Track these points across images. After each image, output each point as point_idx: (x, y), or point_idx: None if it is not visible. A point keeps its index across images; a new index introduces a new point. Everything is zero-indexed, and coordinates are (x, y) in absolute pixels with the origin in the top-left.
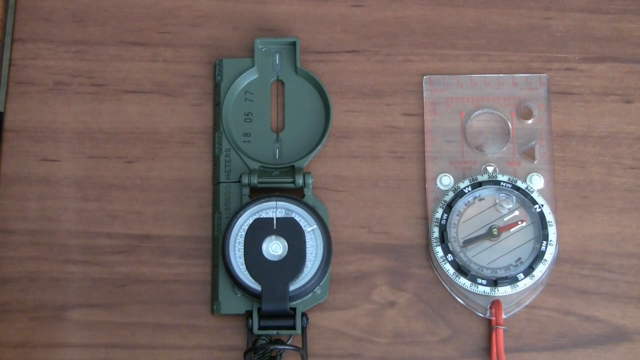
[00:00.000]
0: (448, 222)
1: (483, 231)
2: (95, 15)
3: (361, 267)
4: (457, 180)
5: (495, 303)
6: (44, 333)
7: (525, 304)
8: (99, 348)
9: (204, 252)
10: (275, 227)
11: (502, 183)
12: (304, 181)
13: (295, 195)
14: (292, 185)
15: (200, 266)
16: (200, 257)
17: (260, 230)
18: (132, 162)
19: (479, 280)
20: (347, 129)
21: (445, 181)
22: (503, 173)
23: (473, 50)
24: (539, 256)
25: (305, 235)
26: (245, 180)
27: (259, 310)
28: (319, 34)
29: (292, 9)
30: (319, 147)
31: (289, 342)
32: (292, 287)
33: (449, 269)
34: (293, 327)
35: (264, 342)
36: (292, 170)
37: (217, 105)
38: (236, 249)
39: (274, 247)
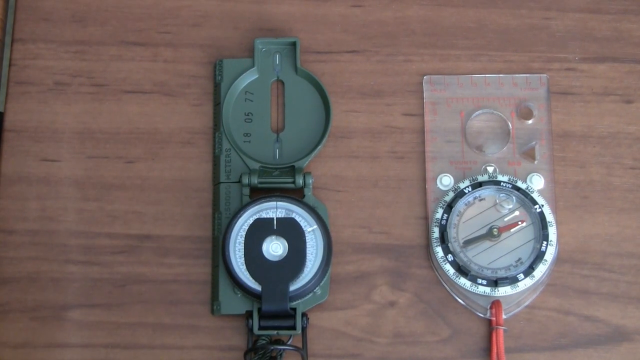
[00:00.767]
0: (448, 223)
1: (483, 231)
2: (95, 15)
3: (361, 267)
4: (457, 180)
5: (496, 303)
6: (44, 333)
7: (526, 304)
8: (99, 348)
9: (204, 252)
10: (275, 227)
11: (502, 183)
12: (304, 181)
13: (296, 195)
14: (292, 186)
15: (200, 266)
16: (200, 257)
17: (260, 230)
18: (132, 162)
19: (479, 281)
20: (347, 129)
21: (446, 181)
22: (503, 173)
23: (473, 50)
24: (539, 256)
25: (306, 235)
26: (245, 180)
27: (259, 310)
28: (319, 34)
29: (292, 9)
30: (319, 147)
31: (289, 342)
32: (292, 287)
33: (449, 269)
34: (293, 327)
35: (264, 342)
36: (292, 171)
37: (217, 105)
38: (236, 249)
39: (274, 247)
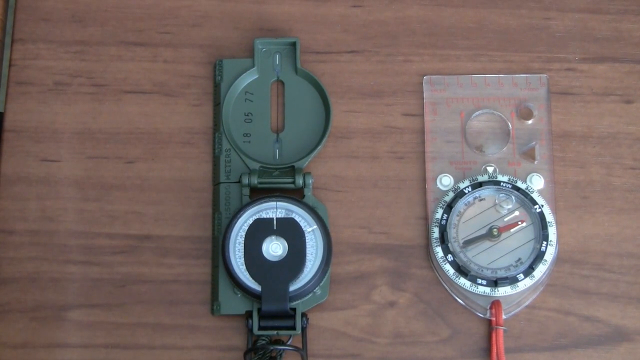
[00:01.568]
0: (448, 223)
1: (483, 231)
2: (95, 15)
3: (361, 268)
4: (457, 180)
5: (496, 303)
6: (44, 333)
7: (526, 304)
8: (99, 348)
9: (204, 252)
10: (275, 228)
11: (502, 183)
12: (304, 181)
13: (295, 195)
14: (292, 186)
15: (200, 266)
16: (200, 257)
17: (260, 230)
18: (132, 162)
19: (479, 281)
20: (347, 129)
21: (445, 181)
22: (503, 173)
23: (473, 51)
24: (539, 256)
25: (305, 235)
26: (245, 180)
27: (259, 310)
28: (319, 34)
29: (292, 9)
30: (319, 147)
31: (289, 343)
32: (292, 288)
33: (449, 269)
34: (293, 328)
35: (264, 342)
36: (292, 171)
37: (217, 105)
38: (236, 249)
39: (274, 248)
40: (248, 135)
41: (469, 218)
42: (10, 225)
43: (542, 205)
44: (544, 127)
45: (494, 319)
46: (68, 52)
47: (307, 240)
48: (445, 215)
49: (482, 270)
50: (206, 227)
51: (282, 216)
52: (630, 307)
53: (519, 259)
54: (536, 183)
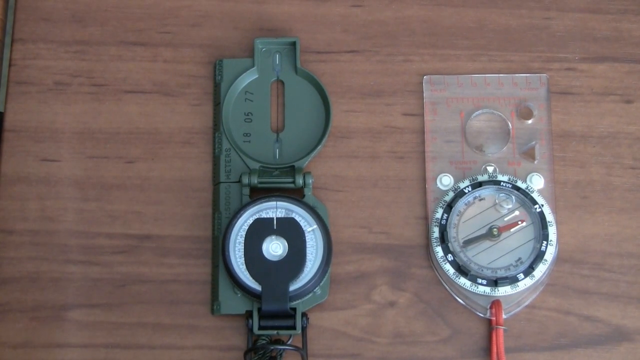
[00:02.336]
0: (448, 222)
1: (483, 231)
2: (95, 15)
3: (361, 267)
4: (457, 180)
5: (496, 303)
6: (44, 333)
7: (526, 304)
8: (99, 348)
9: (204, 252)
10: (275, 227)
11: (502, 183)
12: (304, 181)
13: (295, 195)
14: (292, 185)
15: (200, 266)
16: (200, 257)
17: (260, 230)
18: (132, 162)
19: (479, 280)
20: (347, 129)
21: (445, 181)
22: (503, 173)
23: (473, 50)
24: (539, 256)
25: (306, 235)
26: (245, 180)
27: (259, 310)
28: (319, 34)
29: (292, 9)
30: (319, 147)
31: (289, 342)
32: (292, 287)
33: (449, 269)
34: (293, 327)
35: (264, 342)
36: (292, 170)
37: (217, 105)
38: (236, 249)
39: (274, 247)
40: (248, 135)
41: (469, 218)
42: (10, 225)
43: (542, 205)
44: (544, 126)
45: (494, 318)
46: (68, 52)
47: (307, 240)
48: (445, 215)
49: (482, 270)
50: (206, 227)
51: (282, 216)
52: (630, 307)
53: (519, 259)
54: (536, 183)
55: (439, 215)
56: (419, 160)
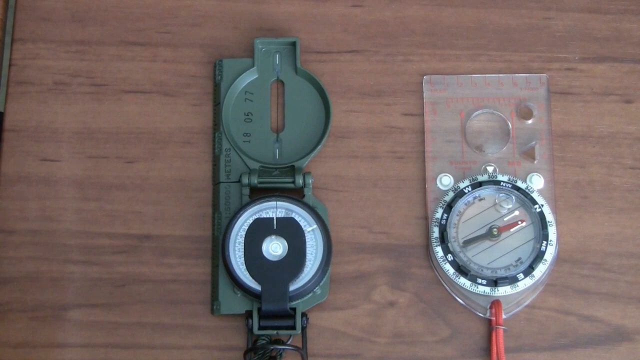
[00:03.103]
0: (448, 222)
1: (483, 231)
2: (95, 15)
3: (361, 267)
4: (457, 180)
5: (495, 303)
6: (44, 333)
7: (525, 304)
8: (99, 348)
9: (204, 252)
10: (275, 227)
11: (502, 183)
12: (304, 181)
13: (295, 195)
14: (292, 185)
15: (200, 266)
16: (200, 257)
17: (260, 230)
18: (132, 162)
19: (479, 280)
20: (347, 129)
21: (445, 181)
22: (503, 173)
23: (473, 50)
24: (539, 256)
25: (305, 235)
26: (245, 180)
27: (259, 310)
28: (319, 34)
29: (292, 9)
30: (319, 147)
31: (289, 342)
32: (292, 287)
33: (449, 269)
34: (293, 327)
35: (264, 342)
36: (292, 170)
37: (217, 105)
38: (236, 249)
39: (274, 247)
40: (248, 135)
41: (469, 218)
42: (10, 225)
43: (542, 205)
44: (543, 126)
45: (494, 318)
46: (68, 52)
47: (307, 240)
48: (445, 215)
49: (482, 270)
50: (206, 227)
51: (282, 216)
52: (630, 307)
53: (519, 259)
54: (536, 183)
55: (439, 215)
56: (419, 160)
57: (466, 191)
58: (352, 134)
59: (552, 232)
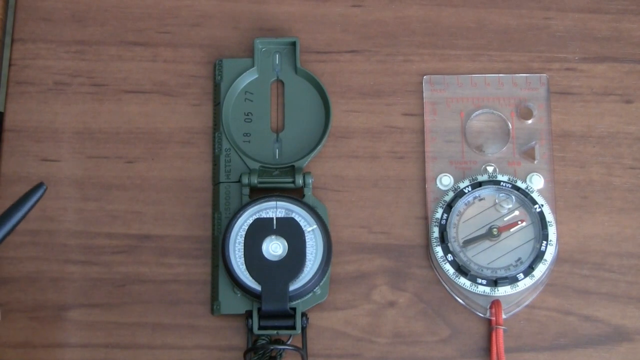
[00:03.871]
0: (448, 222)
1: (483, 231)
2: (95, 15)
3: (361, 267)
4: (457, 180)
5: (495, 303)
6: (44, 333)
7: (525, 304)
8: (99, 348)
9: (204, 252)
10: (275, 227)
11: (502, 183)
12: (304, 181)
13: (295, 195)
14: (292, 185)
15: (200, 266)
16: (200, 257)
17: (260, 230)
18: (132, 162)
19: (479, 280)
20: (347, 129)
21: (445, 181)
22: (503, 173)
23: (473, 50)
24: (539, 256)
25: (305, 235)
26: (245, 180)
27: (259, 310)
28: (319, 34)
29: (292, 9)
30: (319, 147)
31: (289, 342)
32: (292, 287)
33: (449, 269)
34: (293, 327)
35: (264, 342)
36: (292, 170)
37: (217, 105)
38: (236, 249)
39: (274, 247)
40: (248, 135)
41: (469, 218)
42: None
43: (542, 205)
44: (543, 126)
45: (494, 318)
46: (68, 52)
47: (307, 240)
48: (445, 215)
49: (482, 270)
50: (206, 227)
51: (282, 216)
52: (630, 307)
53: (519, 259)
54: (536, 183)
55: (438, 215)
56: (419, 160)
57: (466, 191)
58: (352, 134)
59: (552, 232)
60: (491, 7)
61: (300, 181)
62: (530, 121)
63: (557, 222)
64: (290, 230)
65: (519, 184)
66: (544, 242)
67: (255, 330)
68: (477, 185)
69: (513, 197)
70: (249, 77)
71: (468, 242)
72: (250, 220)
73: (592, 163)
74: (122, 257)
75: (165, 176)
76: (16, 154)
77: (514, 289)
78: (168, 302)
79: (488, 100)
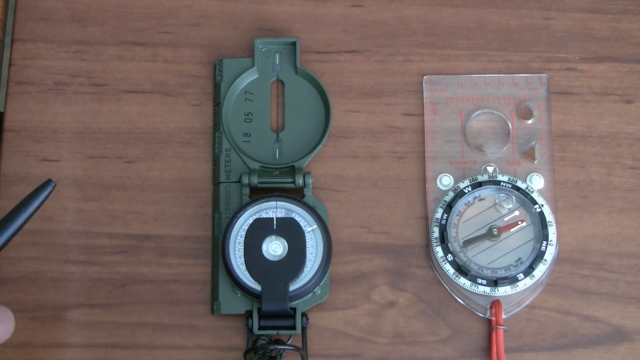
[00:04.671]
0: (448, 222)
1: (483, 231)
2: (95, 15)
3: (361, 267)
4: (457, 180)
5: (495, 303)
6: (44, 333)
7: (525, 304)
8: (99, 348)
9: (204, 252)
10: (275, 227)
11: (502, 183)
12: (304, 181)
13: (295, 195)
14: (292, 185)
15: (200, 266)
16: (200, 257)
17: (260, 230)
18: (132, 162)
19: (479, 280)
20: (347, 129)
21: (445, 181)
22: (503, 173)
23: (473, 50)
24: (539, 256)
25: (305, 235)
26: (245, 180)
27: (259, 310)
28: (319, 34)
29: (292, 9)
30: (319, 147)
31: (289, 342)
32: (292, 287)
33: (449, 269)
34: (293, 327)
35: (264, 342)
36: (292, 170)
37: (217, 105)
38: (236, 249)
39: (274, 247)
40: (248, 135)
41: (469, 218)
42: None
43: (542, 205)
44: (543, 126)
45: (494, 318)
46: (68, 52)
47: (307, 240)
48: (445, 215)
49: (482, 270)
50: (206, 227)
51: (282, 216)
52: (630, 307)
53: (519, 259)
54: (536, 183)
55: (439, 215)
56: (419, 160)
57: (466, 191)
58: (352, 134)
59: (552, 232)
60: (491, 7)
61: (300, 181)
62: (530, 121)
63: (557, 222)
64: (290, 230)
65: (519, 184)
66: (544, 242)
67: (255, 330)
68: (477, 185)
69: (513, 197)
70: (249, 77)
71: (468, 242)
72: (250, 220)
73: (592, 163)
74: (122, 257)
75: (165, 176)
76: (16, 154)
77: (514, 289)
78: (168, 302)
79: (488, 100)
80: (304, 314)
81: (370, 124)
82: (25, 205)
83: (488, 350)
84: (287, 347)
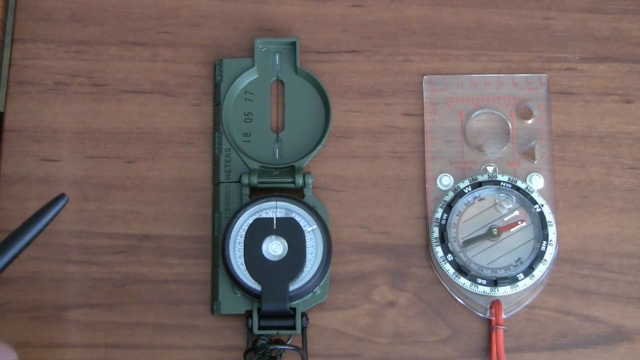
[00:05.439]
0: (448, 222)
1: (483, 231)
2: (95, 15)
3: (361, 267)
4: (457, 180)
5: (495, 303)
6: (44, 333)
7: (525, 304)
8: (99, 348)
9: (204, 252)
10: (275, 227)
11: (502, 183)
12: (304, 181)
13: (295, 195)
14: (292, 185)
15: (200, 266)
16: (200, 257)
17: (260, 230)
18: (132, 162)
19: (479, 280)
20: (347, 129)
21: (445, 181)
22: (503, 173)
23: (473, 50)
24: (539, 256)
25: (305, 235)
26: (245, 180)
27: (259, 310)
28: (319, 34)
29: (292, 9)
30: (319, 147)
31: (289, 342)
32: (292, 287)
33: (449, 269)
34: (293, 327)
35: (264, 342)
36: (292, 170)
37: (217, 105)
38: (236, 249)
39: (274, 247)
40: (248, 135)
41: (469, 218)
42: (10, 225)
43: (542, 205)
44: (543, 126)
45: (494, 318)
46: (68, 51)
47: (307, 240)
48: (445, 215)
49: (482, 270)
50: (206, 227)
51: (282, 216)
52: (630, 307)
53: (519, 259)
54: (536, 183)
55: (438, 215)
56: (419, 160)
57: (466, 191)
58: (352, 134)
59: (552, 232)
60: (491, 7)
61: (300, 181)
62: (530, 121)
63: (557, 222)
64: (290, 230)
65: (519, 184)
66: (544, 242)
67: (255, 330)
68: (477, 185)
69: (513, 197)
70: (249, 77)
71: (468, 242)
72: (250, 220)
73: (592, 163)
74: (122, 257)
75: (165, 176)
76: (16, 154)
77: (514, 289)
78: (168, 302)
79: (488, 100)
80: (304, 314)
81: (370, 124)
82: (37, 218)
83: (488, 350)
84: (287, 347)
